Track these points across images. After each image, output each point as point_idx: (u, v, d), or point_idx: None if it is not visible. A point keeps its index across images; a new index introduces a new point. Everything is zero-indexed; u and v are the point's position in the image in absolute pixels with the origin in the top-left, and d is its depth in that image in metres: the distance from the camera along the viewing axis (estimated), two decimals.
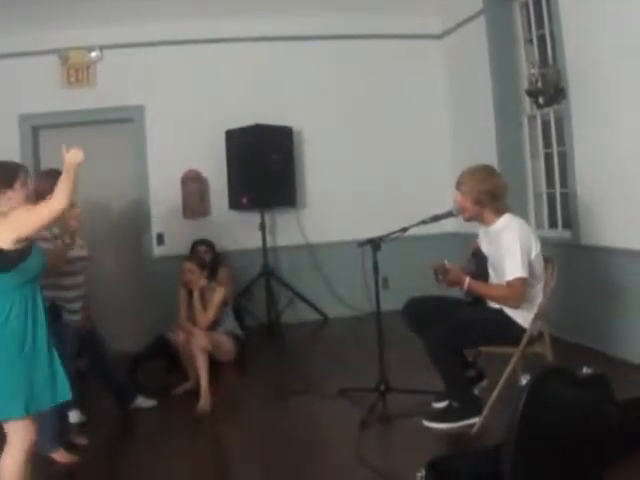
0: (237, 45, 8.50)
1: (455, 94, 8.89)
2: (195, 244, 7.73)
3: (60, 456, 4.54)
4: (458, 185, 4.79)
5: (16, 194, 3.61)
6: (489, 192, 4.64)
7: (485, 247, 4.87)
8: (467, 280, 4.60)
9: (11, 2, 6.96)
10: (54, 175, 4.85)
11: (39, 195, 4.72)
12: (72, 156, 3.59)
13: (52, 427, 4.39)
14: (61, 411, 4.66)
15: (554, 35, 6.65)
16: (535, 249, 4.59)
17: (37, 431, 3.52)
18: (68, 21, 7.66)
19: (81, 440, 4.89)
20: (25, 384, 3.37)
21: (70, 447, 4.67)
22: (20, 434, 3.40)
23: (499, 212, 4.71)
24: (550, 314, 4.83)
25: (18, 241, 3.40)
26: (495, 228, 4.70)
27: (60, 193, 3.46)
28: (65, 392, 3.58)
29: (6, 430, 3.43)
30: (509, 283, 4.49)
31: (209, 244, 7.76)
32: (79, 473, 4.46)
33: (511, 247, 4.49)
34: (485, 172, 4.78)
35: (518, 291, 4.49)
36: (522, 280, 4.47)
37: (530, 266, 4.53)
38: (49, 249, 4.45)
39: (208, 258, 7.33)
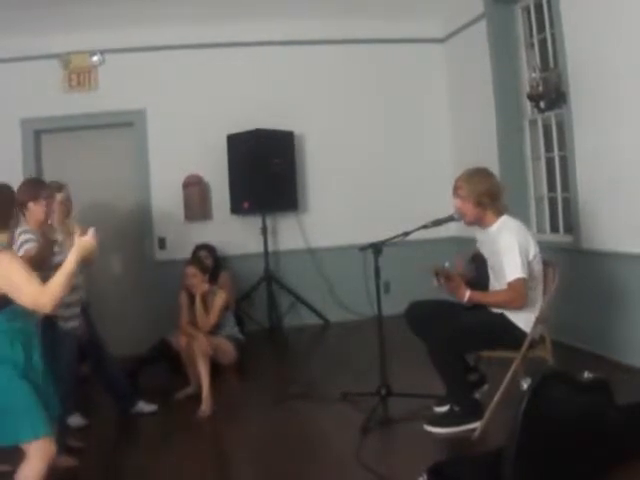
0: (239, 49, 8.51)
1: (457, 98, 8.90)
2: (196, 249, 7.73)
3: (62, 460, 4.52)
4: (455, 191, 4.78)
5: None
6: (488, 193, 4.65)
7: (484, 249, 4.88)
8: (467, 294, 4.60)
9: (12, 7, 6.97)
10: (35, 185, 4.84)
11: (20, 205, 4.69)
12: (84, 245, 3.40)
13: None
14: (59, 416, 4.65)
15: (555, 39, 6.65)
16: (533, 250, 4.59)
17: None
18: (70, 25, 7.69)
19: (76, 443, 4.87)
20: (37, 405, 3.37)
21: (67, 451, 4.65)
22: (40, 451, 3.39)
23: (499, 213, 4.72)
24: (551, 318, 4.82)
25: None
26: (492, 230, 4.70)
27: (54, 288, 3.29)
28: (56, 407, 3.59)
29: (27, 450, 3.40)
30: (510, 284, 4.49)
31: (210, 249, 7.76)
32: (80, 477, 4.45)
33: (509, 248, 4.49)
34: (481, 174, 4.79)
35: (520, 292, 4.49)
36: (522, 280, 4.47)
37: (529, 268, 4.53)
38: (33, 248, 4.44)
39: (209, 263, 7.33)
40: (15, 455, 3.46)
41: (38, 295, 3.27)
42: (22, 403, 3.34)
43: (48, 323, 4.53)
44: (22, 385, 3.35)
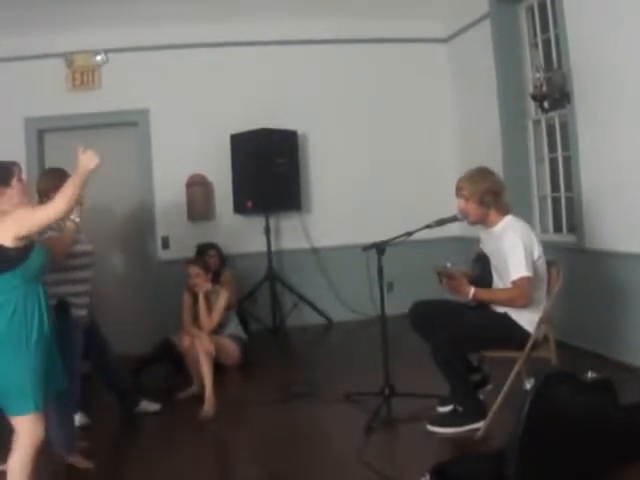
0: (242, 49, 8.51)
1: (460, 98, 8.89)
2: (201, 248, 7.71)
3: (75, 461, 4.51)
4: (458, 191, 4.79)
5: (15, 191, 3.63)
6: (491, 190, 4.67)
7: (488, 248, 4.88)
8: (472, 291, 4.60)
9: (16, 6, 6.98)
10: (57, 174, 4.87)
11: (42, 194, 4.73)
12: (87, 161, 3.63)
13: (69, 431, 4.42)
14: (69, 413, 4.65)
15: (559, 39, 6.64)
16: (537, 251, 4.59)
17: (47, 428, 3.58)
18: (73, 25, 7.69)
19: (81, 443, 4.85)
20: (34, 380, 3.42)
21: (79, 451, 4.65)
22: (29, 430, 3.44)
23: (503, 212, 4.73)
24: (555, 318, 4.82)
25: (18, 239, 3.40)
26: (497, 229, 4.71)
27: (62, 197, 3.46)
28: (60, 381, 3.62)
29: (15, 425, 3.47)
30: (514, 282, 4.49)
31: (217, 248, 7.75)
32: (82, 476, 4.44)
33: (514, 247, 4.49)
34: (481, 173, 4.81)
35: (524, 290, 4.48)
36: (527, 279, 4.47)
37: (533, 267, 4.52)
38: (57, 236, 4.47)
39: (216, 263, 7.34)
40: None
41: (49, 208, 3.47)
42: (23, 374, 3.39)
43: (63, 309, 4.54)
44: (25, 356, 3.41)
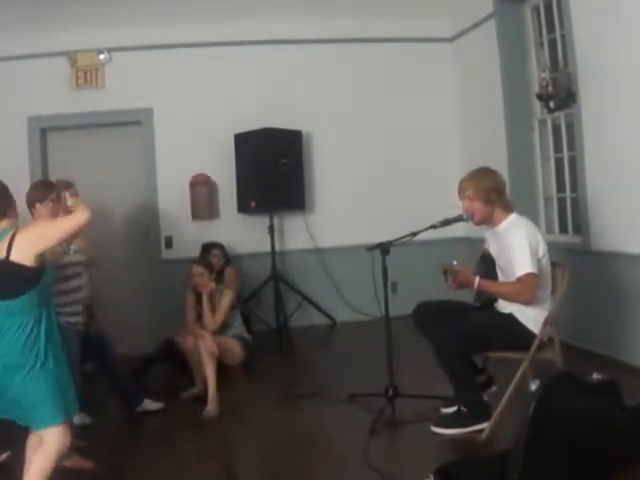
0: (246, 48, 8.49)
1: (465, 97, 8.86)
2: (206, 247, 7.70)
3: (74, 462, 4.48)
4: (461, 192, 4.77)
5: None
6: (494, 188, 4.67)
7: (492, 248, 4.86)
8: (477, 280, 4.57)
9: (20, 4, 6.97)
10: (43, 187, 4.89)
11: (28, 205, 4.73)
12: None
13: None
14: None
15: (565, 39, 6.62)
16: (542, 249, 4.58)
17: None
18: (77, 23, 7.68)
19: (78, 442, 4.82)
20: (59, 392, 3.47)
21: (77, 451, 4.63)
22: (57, 437, 3.48)
23: (507, 209, 4.72)
24: (560, 319, 4.79)
25: (39, 255, 3.39)
26: (502, 227, 4.70)
27: (81, 206, 3.52)
28: (74, 395, 3.68)
29: (43, 433, 3.50)
30: (519, 279, 4.46)
31: (222, 248, 7.72)
32: (85, 476, 4.43)
33: (519, 244, 4.48)
34: (483, 172, 4.81)
35: (529, 286, 4.45)
36: (532, 275, 4.44)
37: (538, 265, 4.50)
38: None
39: (220, 262, 7.33)
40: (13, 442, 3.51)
41: (72, 217, 3.52)
42: (43, 391, 3.42)
43: None
44: (44, 374, 3.43)
